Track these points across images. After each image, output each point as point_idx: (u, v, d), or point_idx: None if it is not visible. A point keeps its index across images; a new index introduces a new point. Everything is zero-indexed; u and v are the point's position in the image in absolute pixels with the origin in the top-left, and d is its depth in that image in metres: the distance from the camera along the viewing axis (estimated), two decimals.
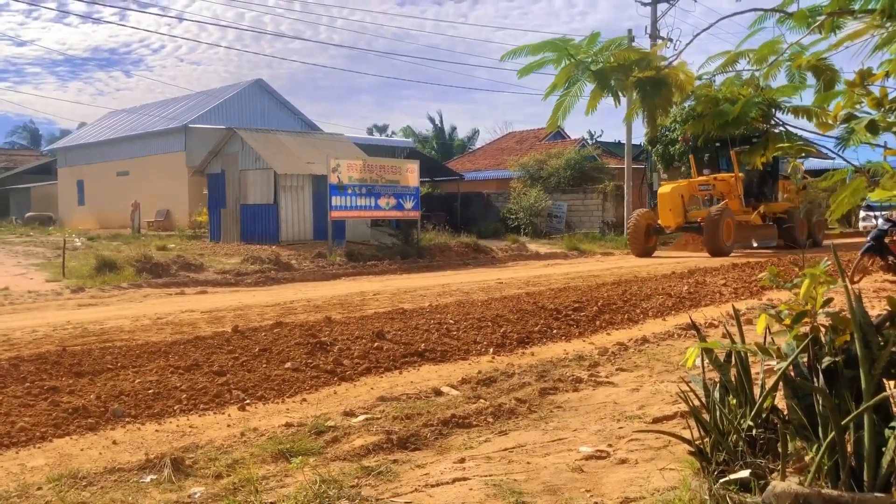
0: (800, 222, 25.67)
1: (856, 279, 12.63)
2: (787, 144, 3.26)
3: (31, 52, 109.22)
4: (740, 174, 24.20)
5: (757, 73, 3.30)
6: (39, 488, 3.93)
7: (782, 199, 25.99)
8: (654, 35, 29.97)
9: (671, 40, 28.91)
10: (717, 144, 24.90)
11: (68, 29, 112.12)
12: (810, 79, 3.17)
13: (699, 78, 3.28)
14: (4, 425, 5.06)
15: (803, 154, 3.57)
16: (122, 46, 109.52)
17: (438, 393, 5.86)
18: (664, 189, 24.38)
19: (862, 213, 32.50)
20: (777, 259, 18.28)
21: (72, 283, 15.28)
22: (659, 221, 23.91)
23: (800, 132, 3.41)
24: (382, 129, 65.22)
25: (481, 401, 5.49)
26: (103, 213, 36.14)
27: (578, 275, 16.72)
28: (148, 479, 4.02)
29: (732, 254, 22.58)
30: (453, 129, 62.65)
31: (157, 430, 5.14)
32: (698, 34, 3.28)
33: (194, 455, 4.40)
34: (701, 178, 25.08)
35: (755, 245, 24.93)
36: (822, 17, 3.04)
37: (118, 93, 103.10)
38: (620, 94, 3.12)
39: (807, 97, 3.35)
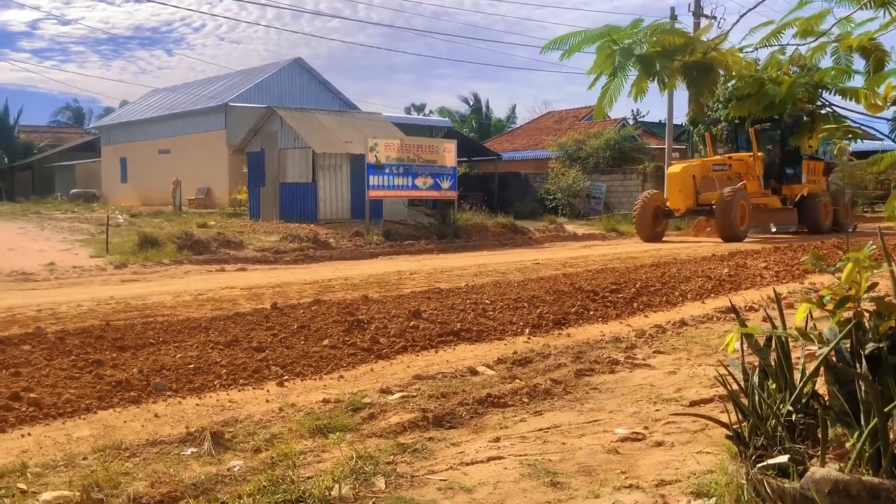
0: (824, 206, 24.24)
1: None
2: (833, 126, 3.19)
3: (76, 31, 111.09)
4: (759, 153, 22.89)
5: (802, 49, 3.22)
6: (85, 458, 4.03)
7: (807, 181, 24.54)
8: (698, 13, 29.42)
9: (715, 18, 28.29)
10: (736, 122, 23.66)
11: (112, 8, 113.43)
12: (857, 62, 3.09)
13: (741, 50, 3.20)
14: (51, 396, 5.20)
15: (850, 136, 3.48)
16: (163, 25, 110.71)
17: (474, 372, 5.88)
18: (674, 168, 22.96)
19: None
20: (821, 243, 17.93)
21: (115, 258, 15.58)
22: (668, 204, 22.55)
23: (848, 114, 3.33)
24: (420, 109, 65.14)
25: (517, 381, 5.50)
26: (145, 191, 36.73)
27: (616, 256, 16.60)
28: (188, 451, 4.10)
29: (747, 239, 21.44)
30: (488, 106, 62.31)
31: (197, 404, 5.23)
32: (744, 14, 3.21)
33: (233, 429, 4.47)
34: (715, 157, 23.77)
35: (773, 230, 23.70)
36: None
37: (160, 71, 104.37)
38: (665, 78, 3.06)
39: (855, 80, 3.26)
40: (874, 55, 3.02)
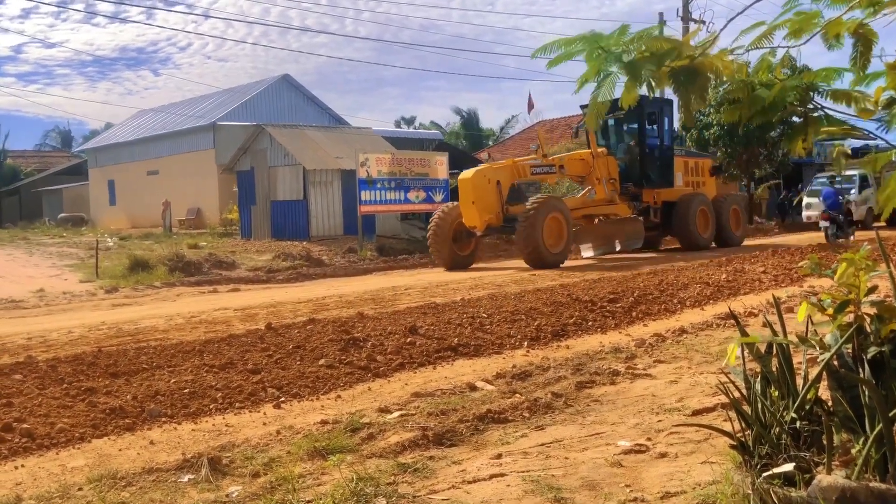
0: (700, 214, 19.76)
1: None
2: (828, 128, 3.18)
3: (60, 54, 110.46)
4: (600, 149, 18.94)
5: (793, 52, 3.22)
6: (80, 489, 3.97)
7: (685, 183, 20.66)
8: (686, 18, 29.64)
9: (703, 22, 28.41)
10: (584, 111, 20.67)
11: (96, 29, 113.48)
12: (847, 46, 3.07)
13: (731, 52, 3.20)
14: (44, 426, 5.13)
15: (849, 136, 3.48)
16: (149, 45, 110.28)
17: (473, 388, 5.83)
18: (465, 174, 17.45)
19: (806, 200, 26.39)
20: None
21: (105, 283, 15.49)
22: (462, 220, 17.42)
23: (839, 115, 3.32)
24: (410, 122, 65.13)
25: (517, 395, 5.44)
26: (134, 213, 36.57)
27: (613, 265, 16.58)
28: (186, 478, 4.04)
29: (571, 262, 17.14)
30: (476, 117, 62.33)
31: (193, 430, 5.17)
32: (733, 18, 3.20)
33: (231, 454, 4.41)
34: (529, 157, 18.94)
35: (618, 248, 18.72)
36: None
37: (146, 92, 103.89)
38: (653, 84, 3.06)
39: (846, 80, 3.25)
40: (861, 37, 3.01)
